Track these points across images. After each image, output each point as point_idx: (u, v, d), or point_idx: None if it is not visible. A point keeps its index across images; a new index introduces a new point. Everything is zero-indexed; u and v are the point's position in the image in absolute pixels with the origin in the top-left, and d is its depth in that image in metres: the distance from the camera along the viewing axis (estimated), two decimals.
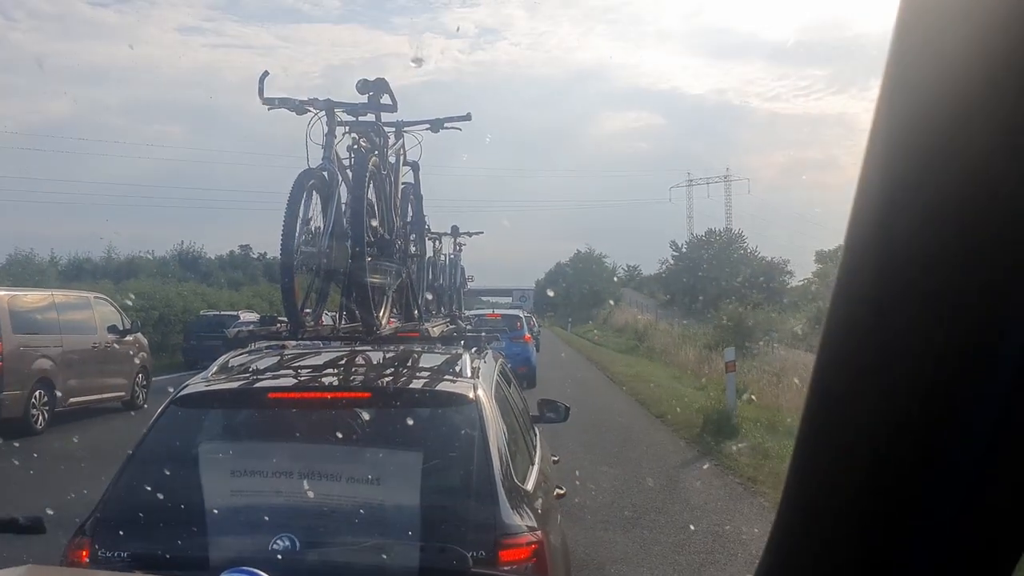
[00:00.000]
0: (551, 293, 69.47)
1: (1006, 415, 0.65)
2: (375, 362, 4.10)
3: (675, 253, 68.13)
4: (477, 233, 14.88)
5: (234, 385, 3.47)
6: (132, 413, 14.91)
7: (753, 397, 14.08)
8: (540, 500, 3.45)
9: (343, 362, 4.15)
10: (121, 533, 2.87)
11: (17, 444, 11.35)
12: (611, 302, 57.82)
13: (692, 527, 7.30)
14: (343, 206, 4.83)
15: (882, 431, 0.72)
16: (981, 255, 0.63)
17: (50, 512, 3.10)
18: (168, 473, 3.04)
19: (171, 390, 3.46)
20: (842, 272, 0.75)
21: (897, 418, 0.70)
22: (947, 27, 0.66)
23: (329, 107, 4.80)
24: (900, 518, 0.72)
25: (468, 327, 8.13)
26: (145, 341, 17.46)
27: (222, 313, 27.28)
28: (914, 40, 0.68)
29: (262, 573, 1.55)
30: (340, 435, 3.02)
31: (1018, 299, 0.62)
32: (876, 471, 0.73)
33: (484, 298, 52.15)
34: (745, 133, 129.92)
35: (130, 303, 17.91)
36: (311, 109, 4.78)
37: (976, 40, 0.63)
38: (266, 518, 2.78)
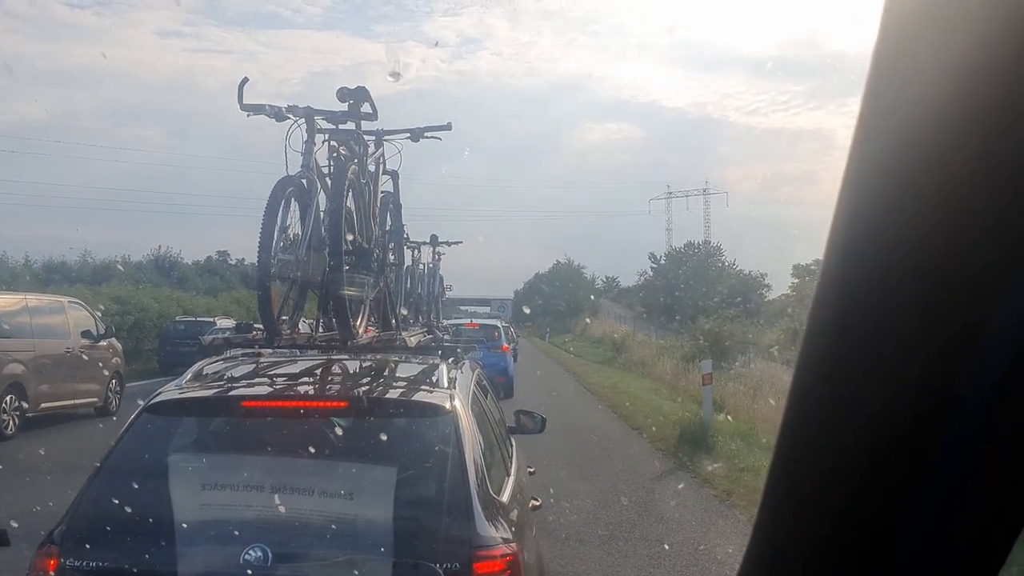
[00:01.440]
0: (527, 310, 69.56)
1: (986, 427, 0.65)
2: (351, 371, 4.07)
3: (654, 265, 68.47)
4: (456, 243, 14.89)
5: (208, 393, 3.43)
6: (104, 420, 14.73)
7: (729, 417, 14.12)
8: (515, 512, 3.44)
9: (319, 371, 4.12)
10: (90, 543, 2.82)
11: None
12: (587, 320, 57.92)
13: (666, 546, 7.30)
14: (322, 214, 4.81)
15: (862, 446, 0.71)
16: (959, 271, 0.63)
17: (14, 525, 3.04)
18: (139, 483, 3.00)
19: (141, 401, 3.42)
20: (820, 289, 0.75)
21: (878, 432, 0.70)
22: (925, 50, 0.66)
23: (309, 114, 4.78)
24: (880, 535, 0.71)
25: (446, 337, 8.11)
26: (119, 347, 17.29)
27: (198, 319, 27.12)
28: (892, 62, 0.68)
29: None
30: (315, 445, 2.99)
31: (996, 315, 0.62)
32: (855, 487, 0.73)
33: (463, 307, 52.20)
34: (724, 146, 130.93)
35: (101, 312, 17.68)
36: (291, 116, 4.76)
37: (952, 63, 0.63)
38: (237, 531, 2.75)
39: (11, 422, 12.85)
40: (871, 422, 0.70)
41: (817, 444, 0.76)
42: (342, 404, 3.31)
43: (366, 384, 3.87)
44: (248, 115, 4.74)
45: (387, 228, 7.04)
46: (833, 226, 0.72)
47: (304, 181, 4.70)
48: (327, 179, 4.92)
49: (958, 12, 0.63)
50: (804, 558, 0.80)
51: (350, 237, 5.03)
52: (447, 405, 3.23)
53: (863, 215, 0.70)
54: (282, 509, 2.76)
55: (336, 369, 4.11)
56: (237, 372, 3.72)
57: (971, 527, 0.69)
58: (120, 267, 32.97)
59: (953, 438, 0.66)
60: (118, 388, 16.35)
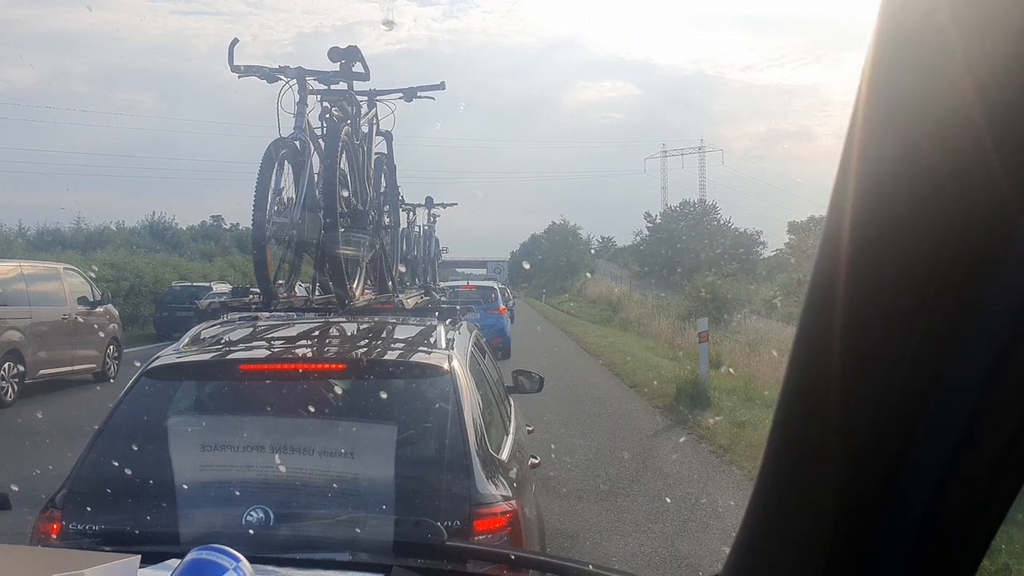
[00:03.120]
0: (527, 266, 69.56)
1: (983, 402, 0.64)
2: (349, 334, 4.07)
3: (649, 224, 68.40)
4: (451, 205, 14.86)
5: (206, 357, 3.43)
6: (102, 385, 14.78)
7: (731, 370, 14.20)
8: (515, 470, 3.46)
9: (316, 334, 4.12)
10: (92, 507, 2.84)
11: None
12: (588, 274, 57.94)
13: (668, 499, 7.37)
14: (315, 176, 4.78)
15: (857, 420, 0.71)
16: (963, 240, 0.63)
17: (15, 488, 3.05)
18: (139, 446, 3.01)
19: (139, 364, 3.42)
20: (820, 259, 0.74)
21: (872, 408, 0.70)
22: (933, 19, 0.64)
23: (300, 75, 4.73)
24: (874, 506, 0.72)
25: (443, 299, 8.11)
26: (116, 312, 17.28)
27: (194, 284, 27.11)
28: (897, 29, 0.67)
29: (231, 550, 1.53)
30: (313, 407, 3.00)
31: (995, 288, 0.62)
32: (851, 458, 0.73)
33: (459, 270, 52.12)
34: (719, 104, 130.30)
35: (94, 275, 17.64)
36: (282, 77, 4.71)
37: (962, 33, 0.62)
38: (238, 492, 2.76)
39: (10, 389, 12.89)
40: (870, 392, 0.70)
41: (813, 414, 0.76)
42: (340, 366, 3.31)
43: (364, 346, 3.87)
44: (239, 77, 4.68)
45: (381, 190, 7.01)
46: (832, 199, 0.71)
47: (297, 143, 4.66)
48: (320, 140, 4.89)
49: None
50: (802, 513, 0.80)
51: (345, 195, 5.00)
52: (445, 366, 3.23)
53: (873, 181, 0.69)
54: (282, 469, 2.78)
55: (333, 332, 4.11)
56: (234, 336, 3.72)
57: (962, 504, 0.69)
58: (113, 228, 32.77)
59: (947, 415, 0.66)
60: (116, 354, 16.39)
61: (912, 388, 0.67)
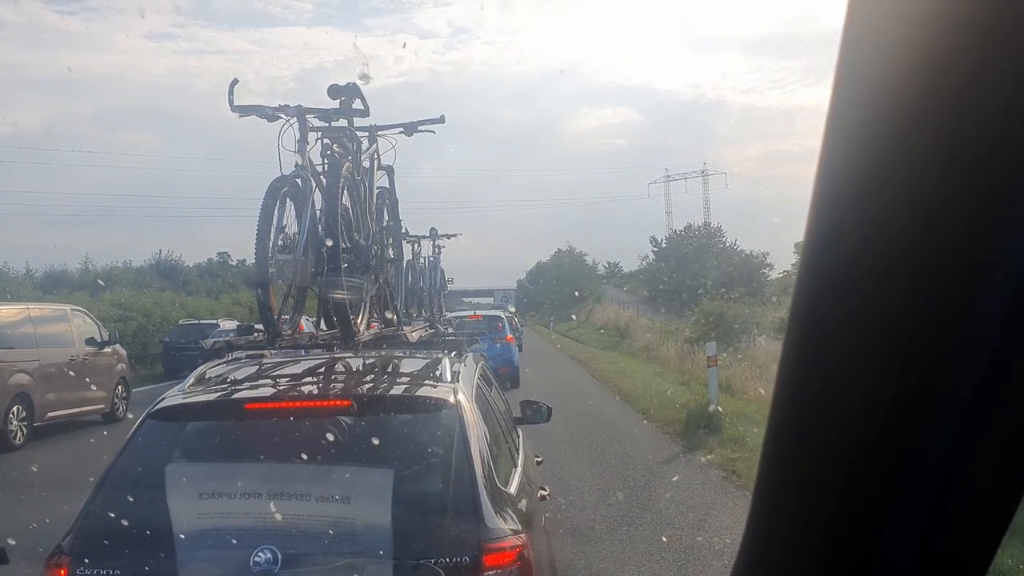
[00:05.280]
0: (533, 312, 69.61)
1: (980, 408, 0.64)
2: (354, 369, 4.06)
3: (655, 249, 68.35)
4: (455, 235, 14.86)
5: (211, 397, 3.43)
6: (111, 426, 14.77)
7: (741, 398, 14.08)
8: (524, 502, 3.44)
9: (321, 370, 4.11)
10: (100, 551, 2.82)
11: None
12: (591, 305, 57.89)
13: (673, 528, 7.30)
14: (318, 213, 4.80)
15: (853, 426, 0.71)
16: (942, 245, 0.62)
17: (11, 542, 3.03)
18: (147, 489, 3.00)
19: (149, 403, 3.42)
20: (802, 268, 0.74)
21: (866, 413, 0.69)
22: (892, 26, 0.64)
23: (300, 113, 4.76)
24: (875, 515, 0.71)
25: (448, 330, 8.11)
26: (124, 352, 17.31)
27: (201, 322, 27.15)
28: (860, 36, 0.67)
29: None
30: (320, 445, 2.99)
31: (983, 291, 0.61)
32: (849, 465, 0.72)
33: (466, 299, 52.21)
34: (721, 127, 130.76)
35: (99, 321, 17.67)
36: (282, 116, 4.74)
37: (920, 40, 0.62)
38: (246, 534, 2.75)
39: (19, 432, 12.88)
40: (859, 406, 0.69)
41: (808, 422, 0.75)
42: (345, 403, 3.30)
43: (369, 381, 3.86)
44: (240, 116, 4.72)
45: (384, 224, 7.03)
46: (812, 203, 0.71)
47: (299, 180, 4.68)
48: (322, 177, 4.91)
49: None
50: (797, 533, 0.79)
51: (347, 231, 5.02)
52: (451, 399, 3.22)
53: (840, 193, 0.69)
54: (290, 508, 2.76)
55: (339, 368, 4.10)
56: (240, 374, 3.72)
57: (965, 511, 0.68)
58: (101, 283, 32.76)
59: (942, 423, 0.65)
60: (124, 394, 16.38)
61: (907, 389, 0.66)
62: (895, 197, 0.65)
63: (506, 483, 3.36)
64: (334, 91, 4.83)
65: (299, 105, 4.78)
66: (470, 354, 4.53)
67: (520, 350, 23.75)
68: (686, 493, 8.74)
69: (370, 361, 4.25)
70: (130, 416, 15.17)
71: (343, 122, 5.10)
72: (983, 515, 0.68)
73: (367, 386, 3.70)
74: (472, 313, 22.80)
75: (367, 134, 5.97)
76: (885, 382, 0.67)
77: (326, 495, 2.83)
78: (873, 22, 0.66)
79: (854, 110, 0.69)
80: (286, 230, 4.59)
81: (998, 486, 0.67)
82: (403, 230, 9.10)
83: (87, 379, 14.88)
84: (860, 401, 0.70)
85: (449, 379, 3.43)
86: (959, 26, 0.59)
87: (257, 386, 3.62)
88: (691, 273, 53.56)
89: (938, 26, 0.61)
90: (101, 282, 33.29)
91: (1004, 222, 0.59)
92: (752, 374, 17.14)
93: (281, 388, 3.64)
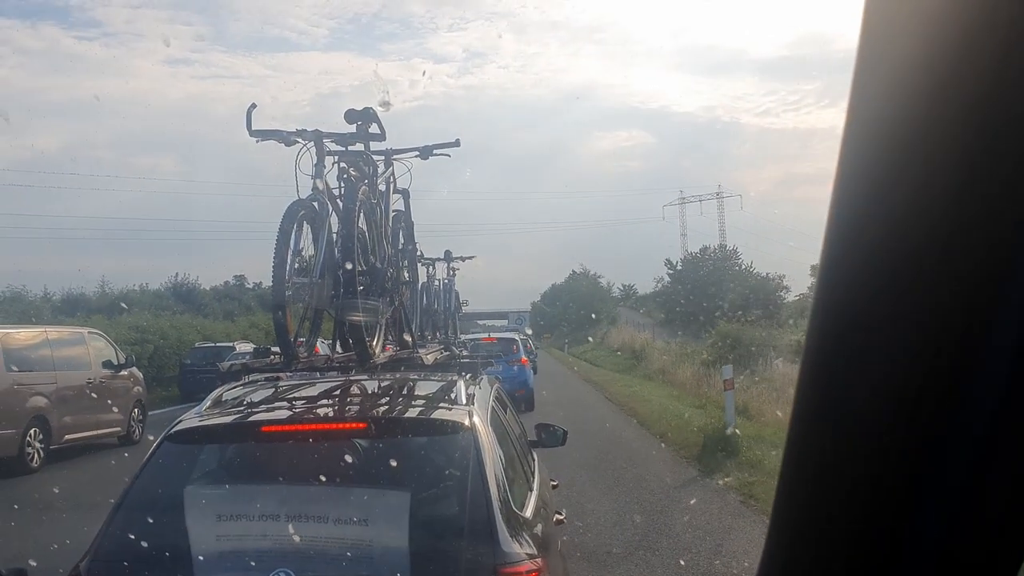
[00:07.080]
0: (547, 335, 69.50)
1: (997, 434, 0.63)
2: (370, 392, 4.07)
3: (670, 271, 68.19)
4: (470, 258, 14.91)
5: (227, 419, 3.44)
6: (128, 449, 14.80)
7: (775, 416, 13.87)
8: (539, 526, 3.42)
9: (337, 393, 4.12)
10: (118, 572, 2.84)
11: (12, 484, 11.26)
12: (606, 329, 57.74)
13: (691, 552, 7.24)
14: (334, 236, 4.82)
15: (872, 449, 0.70)
16: (954, 256, 0.62)
17: (32, 564, 3.05)
18: (164, 512, 3.00)
19: (165, 425, 3.43)
20: (819, 290, 0.75)
21: (885, 437, 0.69)
22: (906, 37, 0.65)
23: (317, 137, 4.80)
24: (894, 542, 0.70)
25: (463, 353, 8.11)
26: (140, 375, 17.39)
27: (218, 344, 27.25)
28: (876, 49, 0.68)
29: None
30: (336, 467, 2.99)
31: (994, 296, 0.61)
32: (868, 491, 0.71)
33: (480, 322, 52.16)
34: (736, 149, 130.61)
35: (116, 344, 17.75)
36: (299, 140, 4.78)
37: (933, 48, 0.62)
38: (264, 556, 2.75)
39: (36, 455, 12.94)
40: (877, 429, 0.69)
41: (826, 447, 0.75)
42: (361, 425, 3.31)
43: (384, 404, 3.87)
44: (257, 141, 4.76)
45: (400, 247, 7.06)
46: (828, 225, 0.72)
47: (315, 204, 4.72)
48: (338, 201, 4.94)
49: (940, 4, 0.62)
50: (816, 560, 0.79)
51: (363, 254, 5.04)
52: (466, 422, 3.22)
53: (856, 215, 0.70)
54: (307, 530, 2.76)
55: (354, 390, 4.11)
56: (256, 397, 3.73)
57: (979, 545, 0.67)
58: (124, 306, 32.92)
59: (961, 450, 0.65)
60: (141, 417, 16.44)
61: (923, 424, 0.66)
62: (911, 218, 0.65)
63: (522, 507, 3.35)
64: (351, 115, 4.87)
65: (316, 130, 4.82)
66: (485, 377, 4.53)
67: (535, 372, 23.69)
68: (703, 517, 8.67)
69: (386, 383, 4.25)
70: (150, 438, 15.19)
71: (360, 146, 5.13)
72: (994, 552, 0.68)
73: (382, 408, 3.70)
74: (487, 335, 22.78)
75: (383, 158, 6.01)
76: (904, 405, 0.67)
77: (342, 517, 2.83)
78: (887, 45, 0.67)
79: (869, 132, 0.69)
80: (303, 253, 4.62)
81: (1015, 522, 0.66)
82: (418, 253, 9.14)
83: (104, 402, 14.94)
84: (878, 425, 0.69)
85: (464, 402, 3.43)
86: (972, 49, 0.60)
87: (273, 408, 3.63)
88: (707, 295, 53.34)
89: (952, 49, 0.61)
90: (124, 305, 33.48)
91: (1022, 244, 0.59)
92: (769, 397, 17.03)
93: (297, 410, 3.65)
